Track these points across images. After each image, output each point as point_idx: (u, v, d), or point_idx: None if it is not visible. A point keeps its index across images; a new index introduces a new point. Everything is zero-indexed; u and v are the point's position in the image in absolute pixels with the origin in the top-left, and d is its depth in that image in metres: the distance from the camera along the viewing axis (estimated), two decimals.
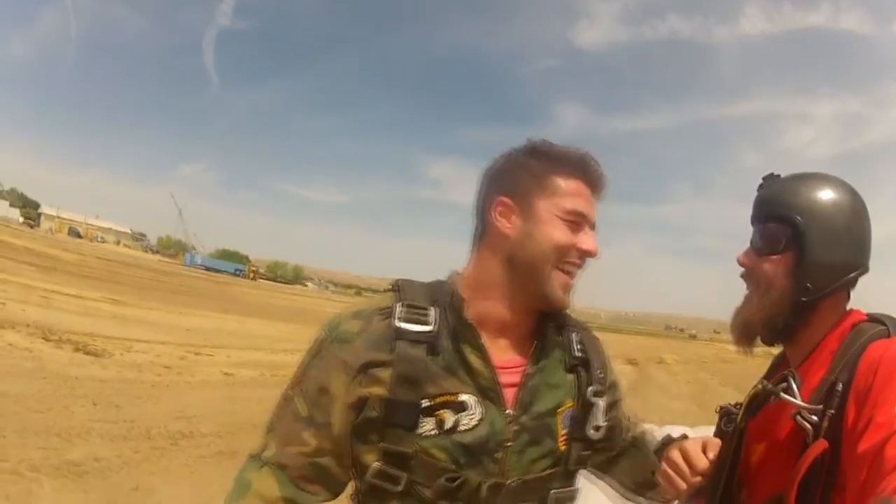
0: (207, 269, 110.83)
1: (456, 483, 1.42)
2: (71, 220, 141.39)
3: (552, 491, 1.55)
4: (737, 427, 1.64)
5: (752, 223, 1.74)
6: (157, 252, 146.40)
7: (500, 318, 1.56)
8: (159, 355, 13.49)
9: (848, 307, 1.66)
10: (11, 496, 5.35)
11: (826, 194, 1.61)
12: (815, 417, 1.40)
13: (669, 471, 1.66)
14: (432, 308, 1.51)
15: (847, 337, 1.53)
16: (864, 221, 1.63)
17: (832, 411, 1.39)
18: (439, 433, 1.43)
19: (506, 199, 1.55)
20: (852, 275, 1.60)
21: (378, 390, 1.44)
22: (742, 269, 1.74)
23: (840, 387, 1.41)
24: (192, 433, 8.07)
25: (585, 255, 1.54)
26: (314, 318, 34.72)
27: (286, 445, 1.49)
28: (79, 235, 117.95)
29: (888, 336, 1.48)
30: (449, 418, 1.44)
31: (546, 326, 1.62)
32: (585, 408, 1.59)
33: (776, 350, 1.80)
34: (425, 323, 1.49)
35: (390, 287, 1.59)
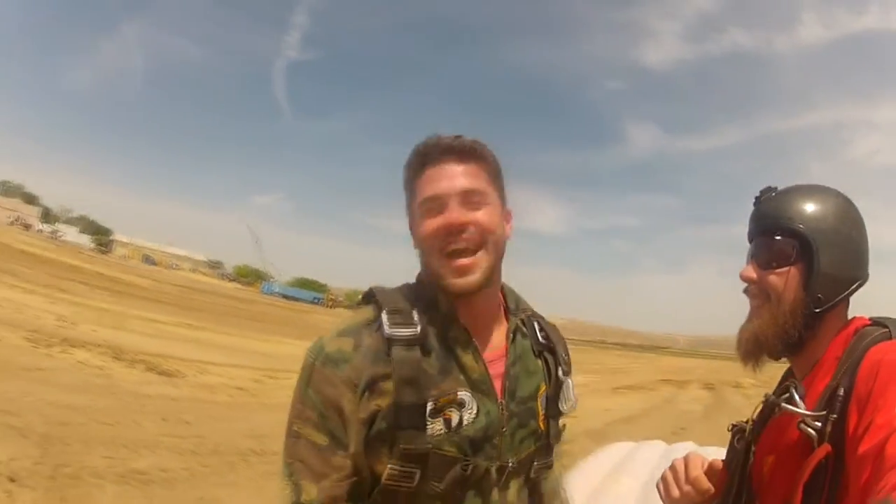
0: (285, 297, 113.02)
1: (469, 471, 1.61)
2: (144, 248, 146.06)
3: (534, 463, 1.79)
4: (745, 440, 1.78)
5: (752, 237, 1.81)
6: (234, 280, 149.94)
7: (466, 312, 1.70)
8: (233, 378, 13.88)
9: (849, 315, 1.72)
10: (69, 499, 5.57)
11: (829, 206, 1.69)
12: (818, 423, 1.47)
13: (668, 475, 1.81)
14: (414, 310, 1.63)
15: (850, 342, 1.59)
16: (864, 233, 1.71)
17: (835, 416, 1.45)
18: (448, 431, 1.59)
19: (409, 220, 1.75)
20: (856, 284, 1.67)
21: (386, 401, 1.55)
22: (744, 286, 1.79)
23: (842, 392, 1.47)
24: (262, 451, 8.25)
25: (450, 229, 1.60)
26: None
27: (322, 480, 1.55)
28: (153, 262, 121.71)
29: (890, 338, 1.54)
30: (455, 416, 1.60)
31: (512, 318, 1.82)
32: (557, 386, 1.84)
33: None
34: (412, 325, 1.60)
35: (362, 300, 1.75)
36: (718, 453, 2.25)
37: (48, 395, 8.54)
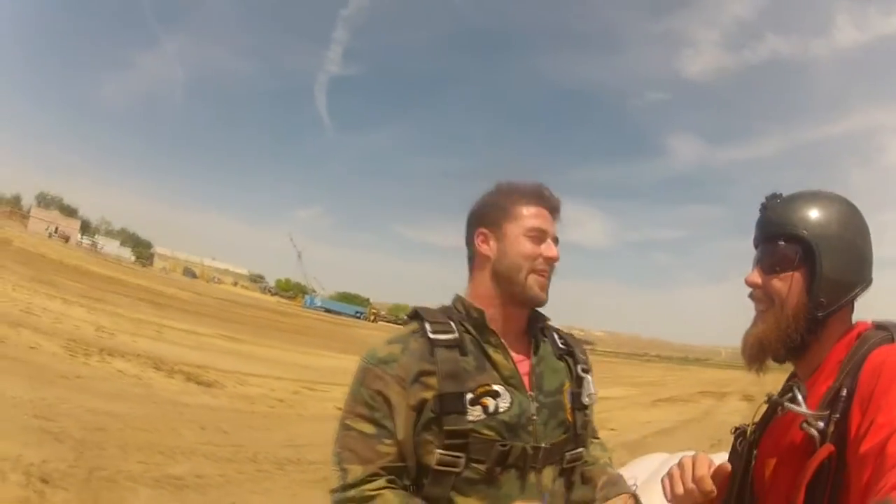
0: (327, 310, 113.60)
1: (508, 448, 1.91)
2: (186, 261, 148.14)
3: (566, 452, 2.09)
4: (747, 440, 1.84)
5: (758, 243, 1.87)
6: (276, 294, 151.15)
7: (503, 321, 2.09)
8: (273, 389, 14.01)
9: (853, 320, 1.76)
10: (102, 501, 5.69)
11: (832, 212, 1.73)
12: (821, 424, 1.51)
13: (675, 472, 1.81)
14: (451, 321, 2.02)
15: (853, 346, 1.63)
16: (867, 238, 1.75)
17: (837, 416, 1.49)
18: (486, 416, 1.91)
19: (483, 230, 2.14)
20: (859, 289, 1.71)
21: (431, 393, 1.88)
22: (749, 291, 1.85)
23: (844, 392, 1.51)
24: (298, 460, 8.34)
25: (549, 260, 2.08)
26: None
27: (368, 464, 1.87)
28: (194, 275, 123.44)
29: (892, 341, 1.59)
30: (491, 403, 1.92)
31: (535, 327, 2.19)
32: (578, 382, 2.18)
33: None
34: (451, 332, 1.99)
35: (409, 316, 2.12)
36: (659, 458, 2.28)
37: (86, 402, 8.72)
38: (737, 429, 1.95)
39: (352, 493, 1.85)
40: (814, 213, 1.73)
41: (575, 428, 2.11)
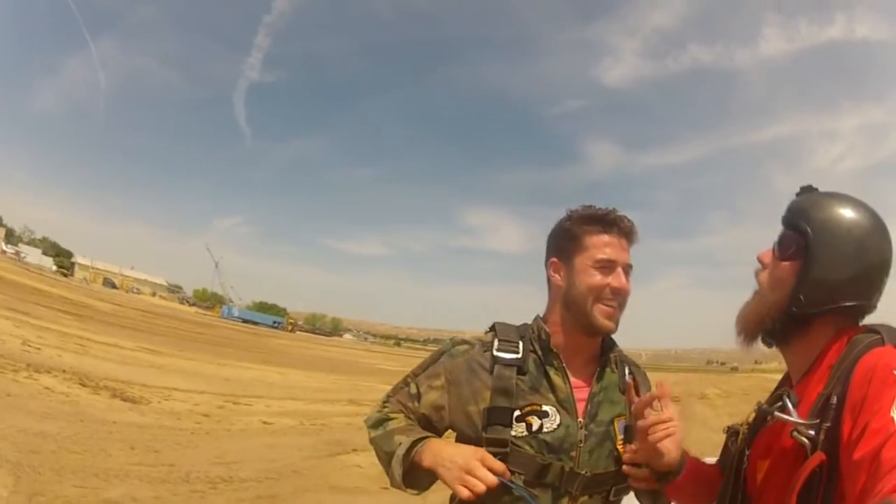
0: (245, 321, 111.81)
1: (548, 464, 1.94)
2: (105, 271, 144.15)
3: (614, 487, 2.05)
4: (737, 449, 1.82)
5: (781, 223, 1.83)
6: (194, 304, 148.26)
7: (569, 347, 2.11)
8: (198, 404, 13.71)
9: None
10: None
11: (844, 216, 1.67)
12: (811, 432, 1.47)
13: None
14: (520, 342, 2.09)
15: (844, 350, 1.59)
16: (879, 252, 1.67)
17: (828, 424, 1.45)
18: (528, 434, 1.97)
19: (555, 260, 2.17)
20: (849, 303, 1.64)
21: (481, 406, 2.01)
22: (758, 267, 1.85)
23: (835, 400, 1.47)
24: (231, 478, 8.17)
25: (616, 291, 2.06)
26: (354, 368, 34.75)
27: (400, 406, 2.17)
28: (114, 286, 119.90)
29: (882, 344, 1.53)
30: (535, 422, 1.97)
31: (606, 356, 2.17)
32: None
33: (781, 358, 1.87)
34: (515, 352, 2.06)
35: (490, 329, 2.19)
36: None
37: (18, 422, 8.42)
38: (729, 428, 1.95)
39: (378, 415, 2.16)
40: (827, 212, 1.69)
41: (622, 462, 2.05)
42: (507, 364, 2.03)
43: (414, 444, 1.95)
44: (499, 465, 1.85)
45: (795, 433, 1.49)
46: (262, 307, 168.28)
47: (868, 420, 1.33)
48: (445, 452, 1.91)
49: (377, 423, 2.13)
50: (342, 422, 14.42)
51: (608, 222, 2.09)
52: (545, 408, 1.99)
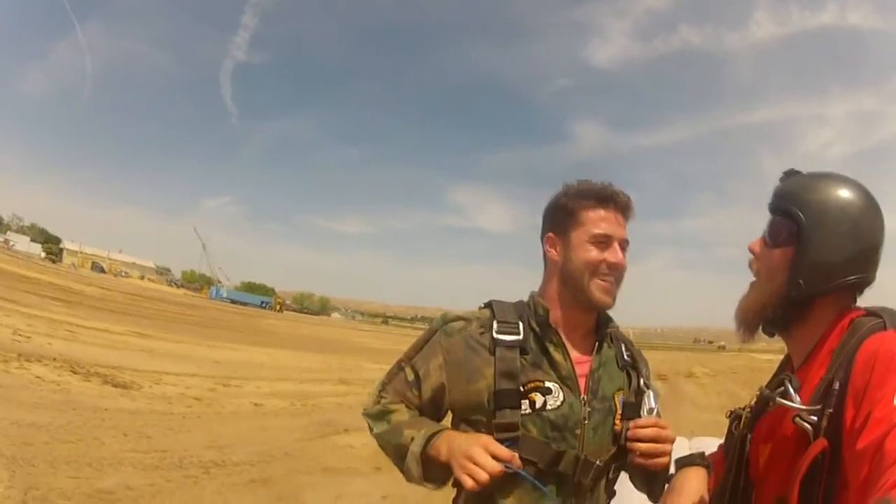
0: (233, 301, 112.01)
1: (562, 451, 1.93)
2: (94, 255, 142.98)
3: (613, 465, 2.06)
4: (739, 435, 1.81)
5: (769, 211, 1.81)
6: (182, 286, 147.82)
7: (567, 322, 2.10)
8: (189, 387, 13.67)
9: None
10: None
11: (837, 196, 1.66)
12: (814, 418, 1.47)
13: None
14: (519, 322, 2.05)
15: (845, 334, 1.58)
16: (873, 230, 1.66)
17: (830, 410, 1.44)
18: (532, 411, 1.94)
19: (551, 234, 2.15)
20: (850, 279, 1.63)
21: (484, 381, 1.97)
22: (751, 258, 1.84)
23: (837, 385, 1.46)
24: (224, 462, 8.17)
25: (613, 266, 2.05)
26: (342, 347, 34.77)
27: (399, 397, 2.12)
28: (102, 270, 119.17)
29: (884, 328, 1.51)
30: (538, 399, 1.95)
31: (602, 331, 2.16)
32: (638, 395, 2.10)
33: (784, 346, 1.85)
34: (517, 334, 2.02)
35: (484, 305, 2.16)
36: (680, 445, 2.31)
37: (10, 415, 8.36)
38: (731, 412, 1.93)
39: (377, 408, 2.12)
40: (816, 193, 1.67)
41: (621, 438, 2.04)
42: (509, 346, 2.00)
43: (429, 439, 1.93)
44: (504, 452, 1.81)
45: (798, 419, 1.49)
46: (251, 287, 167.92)
47: (871, 408, 1.31)
48: (456, 443, 1.87)
49: (379, 416, 2.10)
50: (333, 402, 14.47)
51: (605, 197, 2.07)
52: (548, 384, 1.98)
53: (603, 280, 2.04)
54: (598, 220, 2.05)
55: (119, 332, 21.49)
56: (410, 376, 2.11)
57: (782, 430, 1.59)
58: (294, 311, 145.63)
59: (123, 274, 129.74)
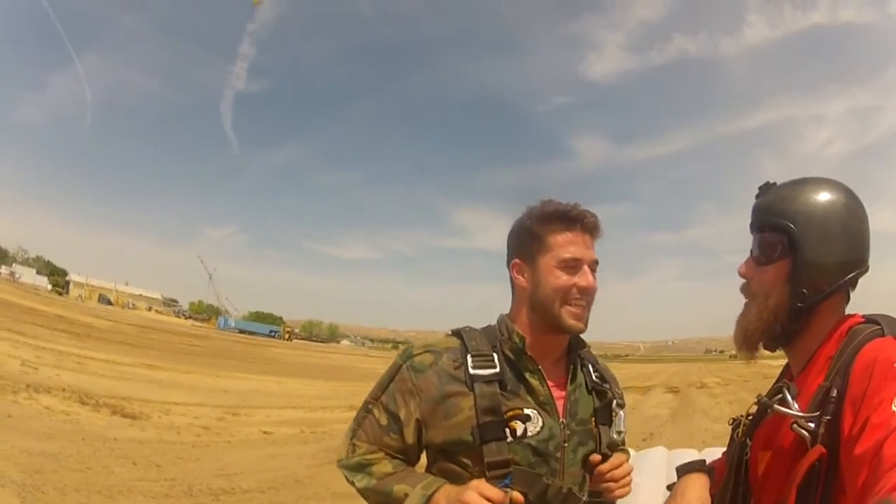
0: (241, 331, 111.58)
1: (549, 482, 1.92)
2: (100, 287, 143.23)
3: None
4: (737, 441, 1.82)
5: (751, 232, 1.84)
6: (190, 317, 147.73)
7: (541, 348, 2.06)
8: (198, 417, 13.74)
9: (847, 307, 1.74)
10: None
11: (819, 198, 1.69)
12: (812, 425, 1.48)
13: None
14: (493, 354, 2.02)
15: (843, 341, 1.60)
16: (861, 220, 1.70)
17: (828, 418, 1.46)
18: (513, 440, 1.92)
19: (518, 261, 2.11)
20: (851, 275, 1.67)
21: (463, 416, 1.94)
22: (742, 281, 1.84)
23: (835, 392, 1.47)
24: (233, 489, 8.23)
25: (583, 290, 2.01)
26: (352, 374, 34.68)
27: (374, 445, 2.05)
28: (109, 302, 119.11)
29: (882, 335, 1.54)
30: (519, 427, 1.93)
31: (574, 353, 2.16)
32: (607, 417, 2.13)
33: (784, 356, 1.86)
34: (493, 367, 1.99)
35: (452, 333, 2.13)
36: (688, 456, 2.36)
37: (19, 443, 8.45)
38: (734, 419, 1.90)
39: (356, 459, 2.04)
40: (799, 201, 1.69)
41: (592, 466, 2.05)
42: (488, 380, 1.96)
43: (427, 499, 1.87)
44: (496, 495, 1.76)
45: (795, 426, 1.50)
46: (259, 317, 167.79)
47: (869, 414, 1.32)
48: (454, 493, 1.82)
49: (358, 469, 2.03)
50: (342, 428, 14.12)
51: (570, 219, 2.03)
52: (527, 411, 1.95)
53: (574, 306, 2.01)
54: (565, 244, 2.01)
55: (127, 364, 21.53)
56: (384, 420, 2.05)
57: (781, 437, 1.60)
58: (303, 339, 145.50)
59: (131, 306, 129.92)
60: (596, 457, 2.04)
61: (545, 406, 2.00)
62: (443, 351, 2.04)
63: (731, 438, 1.90)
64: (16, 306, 38.14)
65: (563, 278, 2.00)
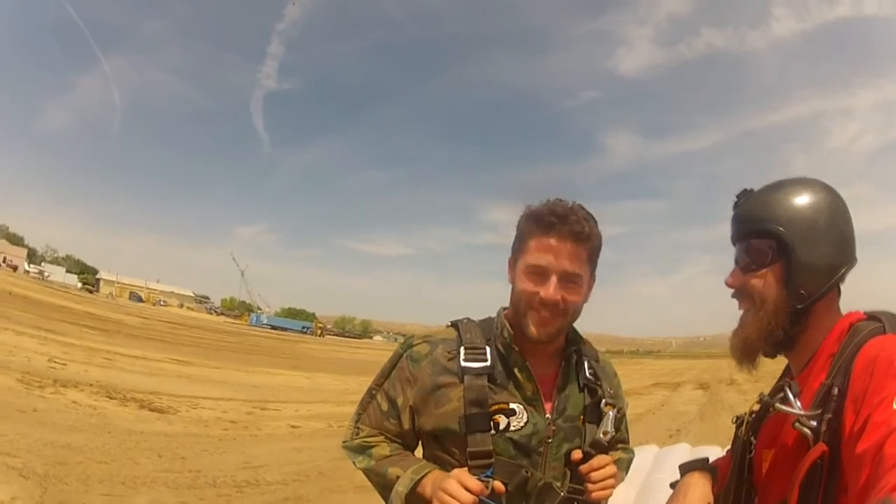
0: (274, 328, 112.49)
1: (528, 474, 1.95)
2: (131, 285, 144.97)
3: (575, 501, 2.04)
4: (740, 439, 1.84)
5: (734, 242, 1.84)
6: (222, 314, 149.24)
7: (529, 344, 2.05)
8: (226, 411, 13.90)
9: (840, 302, 1.74)
10: None
11: (802, 199, 1.69)
12: (813, 423, 1.47)
13: None
14: (486, 347, 2.06)
15: (844, 339, 1.60)
16: (845, 217, 1.71)
17: (829, 416, 1.45)
18: (496, 433, 1.96)
19: (511, 256, 2.11)
20: (842, 271, 1.68)
21: (451, 406, 2.00)
22: (732, 291, 1.83)
23: (836, 391, 1.47)
24: (257, 482, 8.31)
25: (543, 303, 1.96)
26: None
27: (376, 428, 2.16)
28: (140, 300, 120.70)
29: (884, 332, 1.54)
30: (502, 421, 1.98)
31: (569, 349, 2.16)
32: (595, 416, 2.11)
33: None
34: (484, 360, 2.03)
35: (451, 324, 2.18)
36: (713, 453, 2.33)
37: (45, 436, 8.57)
38: (737, 418, 1.93)
39: (357, 441, 2.16)
40: (783, 204, 1.69)
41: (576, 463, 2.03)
42: (477, 373, 1.99)
43: (416, 483, 1.94)
44: (475, 485, 1.81)
45: (798, 424, 1.50)
46: (291, 313, 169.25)
47: (870, 412, 1.32)
48: (439, 479, 1.89)
49: (359, 450, 2.14)
50: None
51: (546, 224, 1.95)
52: (512, 405, 1.99)
53: (539, 313, 1.97)
54: (536, 250, 1.96)
55: (157, 360, 21.84)
56: (385, 405, 2.14)
57: (783, 435, 1.62)
58: (335, 335, 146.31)
59: (162, 303, 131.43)
60: (576, 454, 2.02)
61: (532, 402, 2.02)
62: (439, 342, 2.12)
63: (735, 436, 1.91)
64: (44, 304, 38.73)
65: (526, 285, 1.98)
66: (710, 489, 1.90)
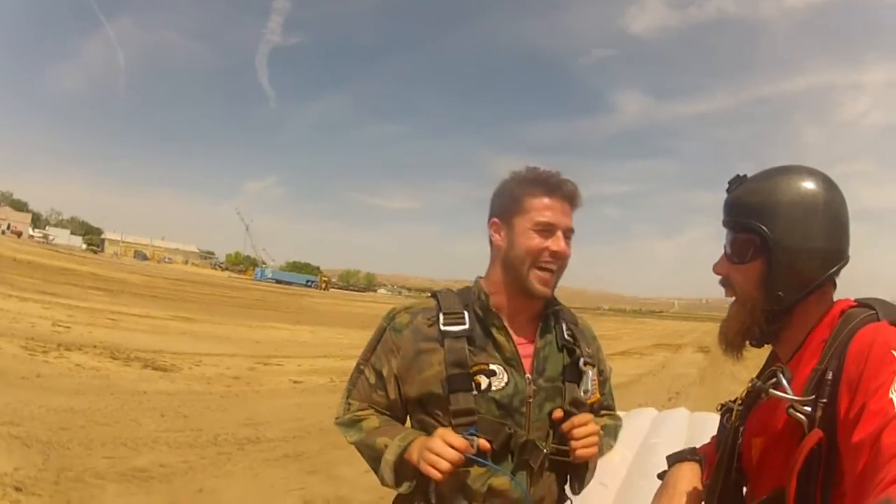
0: (278, 282, 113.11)
1: (511, 430, 2.03)
2: (136, 244, 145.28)
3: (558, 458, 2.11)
4: (731, 427, 1.79)
5: (724, 227, 1.78)
6: (227, 269, 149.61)
7: (510, 306, 2.18)
8: (228, 367, 14.05)
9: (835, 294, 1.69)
10: (73, 501, 5.73)
11: (791, 193, 1.62)
12: (808, 408, 1.45)
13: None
14: (465, 311, 2.15)
15: (836, 325, 1.57)
16: (837, 210, 1.64)
17: (824, 401, 1.44)
18: (477, 393, 2.04)
19: (496, 220, 2.21)
20: (829, 273, 1.62)
21: (433, 371, 2.07)
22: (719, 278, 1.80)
23: (830, 375, 1.45)
24: (258, 438, 8.47)
25: (555, 255, 2.10)
26: None
27: (365, 402, 2.22)
28: (145, 258, 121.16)
29: (877, 320, 1.51)
30: (483, 381, 2.06)
31: (547, 313, 2.24)
32: (575, 376, 2.19)
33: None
34: (462, 323, 2.12)
35: (430, 295, 2.27)
36: (709, 420, 2.39)
37: (48, 402, 8.68)
38: (722, 405, 1.89)
39: (348, 416, 2.20)
40: (772, 198, 1.63)
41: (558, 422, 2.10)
42: (457, 336, 2.08)
43: (404, 449, 2.01)
44: (460, 442, 1.90)
45: (791, 410, 1.48)
46: (296, 267, 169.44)
47: (866, 400, 1.31)
48: (424, 442, 1.96)
49: (350, 424, 2.19)
50: None
51: (550, 185, 2.12)
52: (492, 367, 2.07)
53: (543, 270, 2.10)
54: (542, 209, 2.10)
55: (161, 318, 22.04)
56: (372, 378, 2.21)
57: (775, 422, 1.59)
58: (340, 288, 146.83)
59: (167, 260, 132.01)
60: (558, 412, 2.09)
61: (511, 362, 2.11)
62: (419, 311, 2.20)
63: (721, 425, 1.89)
64: (48, 267, 39.02)
65: (535, 240, 2.09)
66: (699, 479, 1.87)
